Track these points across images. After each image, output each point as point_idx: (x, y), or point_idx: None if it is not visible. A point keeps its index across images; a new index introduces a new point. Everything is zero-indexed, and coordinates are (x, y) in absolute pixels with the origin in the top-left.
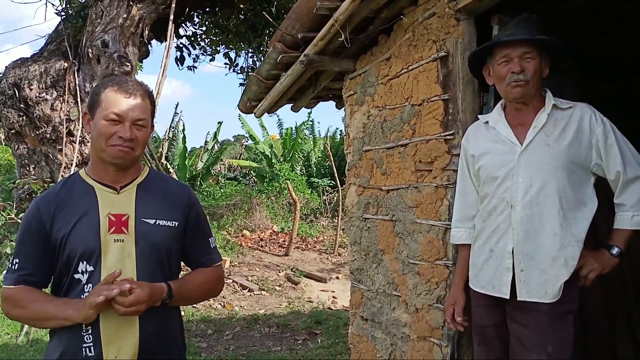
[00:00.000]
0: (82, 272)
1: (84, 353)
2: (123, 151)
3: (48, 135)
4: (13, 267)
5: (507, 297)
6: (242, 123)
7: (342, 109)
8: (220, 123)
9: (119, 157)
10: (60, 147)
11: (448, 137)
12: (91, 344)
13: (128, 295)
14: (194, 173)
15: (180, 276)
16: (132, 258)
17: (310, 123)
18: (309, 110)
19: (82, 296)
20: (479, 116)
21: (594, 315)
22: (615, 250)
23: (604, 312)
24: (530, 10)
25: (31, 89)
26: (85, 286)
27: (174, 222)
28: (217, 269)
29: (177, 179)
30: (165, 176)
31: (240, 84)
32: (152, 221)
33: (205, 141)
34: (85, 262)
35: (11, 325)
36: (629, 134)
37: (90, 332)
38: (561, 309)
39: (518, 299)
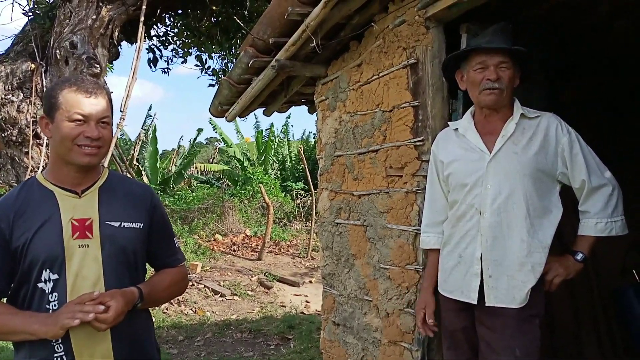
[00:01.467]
0: (46, 281)
1: None
2: (91, 153)
3: (14, 138)
4: None
5: (475, 302)
6: (213, 126)
7: (315, 113)
8: (199, 130)
9: (88, 159)
10: (26, 150)
11: (418, 143)
12: (62, 353)
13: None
14: (166, 176)
15: (145, 277)
16: (99, 262)
17: (285, 127)
18: (287, 114)
19: (47, 306)
20: (449, 123)
21: (560, 318)
22: (579, 256)
23: (571, 315)
24: (498, 18)
25: None
26: (50, 295)
27: (138, 224)
28: (182, 268)
29: (138, 180)
30: (126, 177)
31: (210, 85)
32: (116, 224)
33: (179, 145)
34: (48, 270)
35: None
36: (592, 141)
37: (60, 342)
38: (528, 312)
39: (486, 304)
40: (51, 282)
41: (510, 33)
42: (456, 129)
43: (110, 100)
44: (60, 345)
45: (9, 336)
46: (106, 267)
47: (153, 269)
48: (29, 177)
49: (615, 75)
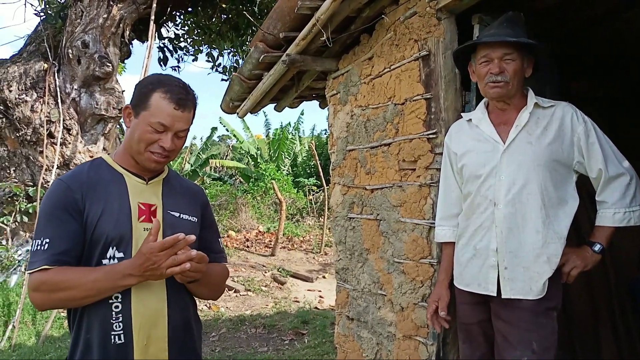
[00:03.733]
0: (111, 258)
1: (113, 341)
2: (159, 160)
3: (28, 137)
4: (42, 247)
5: (494, 294)
6: (223, 125)
7: (326, 108)
8: (214, 129)
9: (154, 165)
10: (40, 149)
11: (431, 136)
12: (121, 332)
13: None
14: (181, 174)
15: None
16: None
17: (296, 124)
18: (300, 109)
19: (113, 293)
20: (462, 114)
21: (578, 310)
22: (597, 247)
23: (588, 307)
24: (510, 9)
25: (10, 91)
26: None
27: (194, 218)
28: (226, 266)
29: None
30: (181, 176)
31: (222, 79)
32: (177, 214)
33: (191, 143)
34: (115, 248)
35: None
36: (610, 131)
37: (120, 319)
38: (545, 305)
39: (503, 296)
40: (116, 259)
41: (521, 23)
42: (469, 120)
43: (194, 112)
44: (120, 323)
45: (96, 297)
46: None
47: None
48: (45, 175)
49: (627, 68)
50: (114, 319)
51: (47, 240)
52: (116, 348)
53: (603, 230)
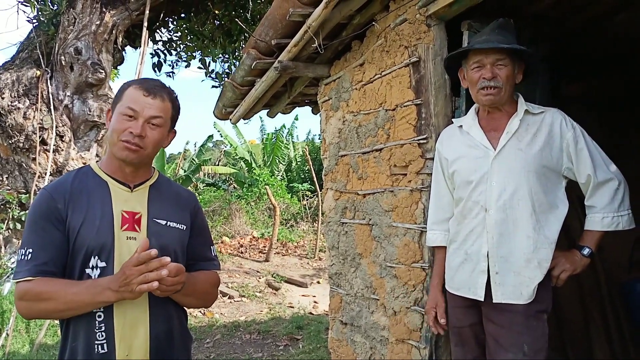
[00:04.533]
0: (93, 267)
1: (96, 350)
2: (130, 148)
3: (21, 145)
4: (25, 257)
5: (482, 299)
6: (217, 130)
7: (318, 114)
8: (210, 137)
9: (126, 153)
10: (33, 156)
11: (421, 141)
12: (104, 341)
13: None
14: (174, 179)
15: None
16: None
17: (289, 129)
18: (294, 114)
19: (93, 309)
20: (452, 120)
21: (569, 313)
22: (586, 251)
23: (579, 310)
24: (499, 15)
25: (3, 98)
26: None
27: (182, 226)
28: (216, 273)
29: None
30: (172, 181)
31: (213, 86)
32: (163, 222)
33: (185, 149)
34: (97, 257)
35: None
36: (597, 134)
37: (103, 329)
38: (535, 308)
39: (494, 301)
40: (98, 269)
41: (511, 29)
42: (460, 126)
43: (174, 108)
44: (103, 332)
45: (76, 311)
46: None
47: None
48: (38, 183)
49: (620, 70)
50: (97, 328)
51: (30, 250)
52: (99, 357)
53: (592, 234)
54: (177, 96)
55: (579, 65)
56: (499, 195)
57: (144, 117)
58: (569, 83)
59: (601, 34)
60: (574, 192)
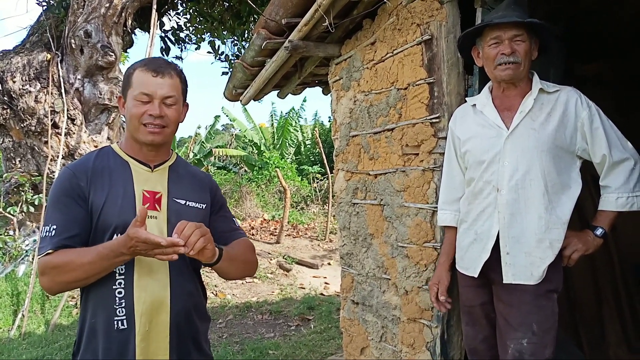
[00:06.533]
0: None
1: (116, 326)
2: (154, 131)
3: (33, 128)
4: (49, 234)
5: (476, 275)
6: (225, 114)
7: (329, 94)
8: (217, 117)
9: (152, 137)
10: (45, 140)
11: (434, 120)
12: (124, 317)
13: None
14: None
15: None
16: (164, 235)
17: (297, 112)
18: (302, 97)
19: (114, 269)
20: (466, 99)
21: (581, 294)
22: (599, 231)
23: (592, 291)
24: None
25: (14, 82)
26: None
27: (201, 205)
28: (247, 239)
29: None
30: (188, 163)
31: (223, 73)
32: (182, 201)
33: (196, 132)
34: (119, 235)
35: (2, 319)
36: (612, 115)
37: (123, 305)
38: (545, 287)
39: (504, 281)
40: None
41: (525, 6)
42: (474, 105)
43: (183, 82)
44: (123, 309)
45: (99, 275)
46: None
47: None
48: (50, 166)
49: (636, 50)
50: (117, 304)
51: (55, 226)
52: (119, 333)
53: (606, 214)
54: (182, 69)
55: (594, 45)
56: (511, 175)
57: (158, 98)
58: (583, 63)
59: (616, 13)
60: (588, 172)
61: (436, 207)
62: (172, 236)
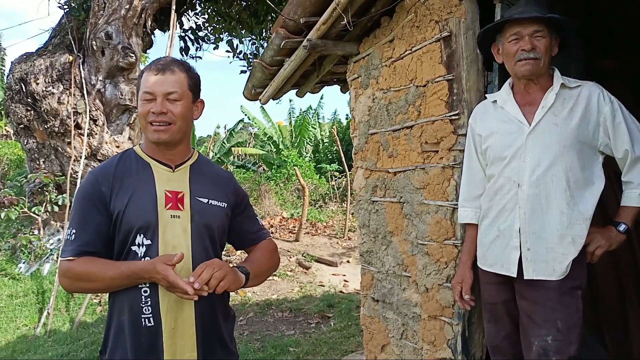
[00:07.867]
0: (139, 245)
1: (143, 323)
2: (159, 129)
3: (56, 129)
4: (70, 238)
5: (515, 275)
6: (244, 113)
7: (347, 92)
8: (240, 121)
9: (157, 135)
10: (68, 140)
11: (453, 117)
12: (150, 315)
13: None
14: None
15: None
16: (187, 233)
17: (315, 110)
18: (320, 95)
19: None
20: (486, 95)
21: (605, 291)
22: (622, 227)
23: (615, 288)
24: None
25: (37, 83)
26: (143, 259)
27: (223, 203)
28: (270, 241)
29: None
30: (211, 161)
31: (242, 72)
32: (205, 200)
33: (215, 132)
34: (142, 235)
35: (28, 317)
36: (634, 110)
37: (149, 303)
38: (569, 284)
39: (525, 277)
40: (144, 246)
41: (545, 1)
42: (494, 101)
43: (191, 77)
44: (149, 307)
45: (114, 288)
46: (194, 239)
47: (244, 252)
48: (73, 166)
49: None
50: (143, 302)
51: (74, 231)
52: (146, 330)
53: (628, 210)
54: (190, 66)
55: (614, 39)
56: (532, 170)
57: (160, 95)
58: (603, 57)
59: (637, 7)
60: (611, 168)
61: (456, 205)
62: (190, 279)
